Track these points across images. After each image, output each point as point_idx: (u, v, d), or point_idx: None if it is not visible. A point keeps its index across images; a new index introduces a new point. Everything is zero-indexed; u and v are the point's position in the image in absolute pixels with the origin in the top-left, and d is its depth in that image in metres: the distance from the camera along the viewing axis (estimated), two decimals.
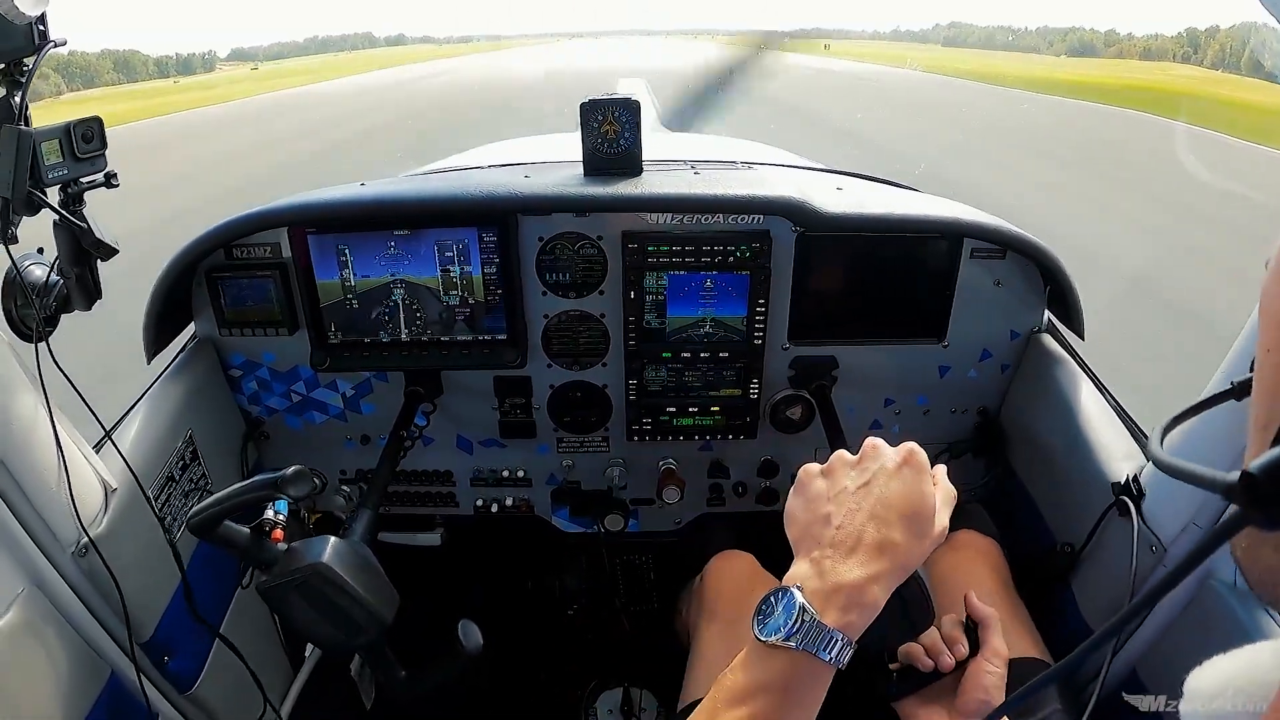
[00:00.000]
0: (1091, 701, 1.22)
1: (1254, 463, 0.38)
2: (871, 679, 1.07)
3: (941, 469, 1.00)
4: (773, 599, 0.87)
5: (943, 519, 0.93)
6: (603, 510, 2.04)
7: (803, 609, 0.83)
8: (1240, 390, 0.63)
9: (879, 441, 0.96)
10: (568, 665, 2.35)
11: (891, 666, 1.09)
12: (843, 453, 0.98)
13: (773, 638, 0.83)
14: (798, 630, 0.82)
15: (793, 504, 0.98)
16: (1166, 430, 0.63)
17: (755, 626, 0.86)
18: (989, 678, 1.03)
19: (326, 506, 2.12)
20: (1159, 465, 0.55)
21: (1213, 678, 0.60)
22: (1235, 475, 0.39)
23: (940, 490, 0.95)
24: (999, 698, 1.02)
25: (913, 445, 0.95)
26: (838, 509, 0.91)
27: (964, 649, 1.04)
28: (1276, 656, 0.56)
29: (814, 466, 0.99)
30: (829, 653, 0.82)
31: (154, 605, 1.46)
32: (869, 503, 0.90)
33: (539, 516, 2.14)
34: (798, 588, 0.85)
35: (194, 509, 1.17)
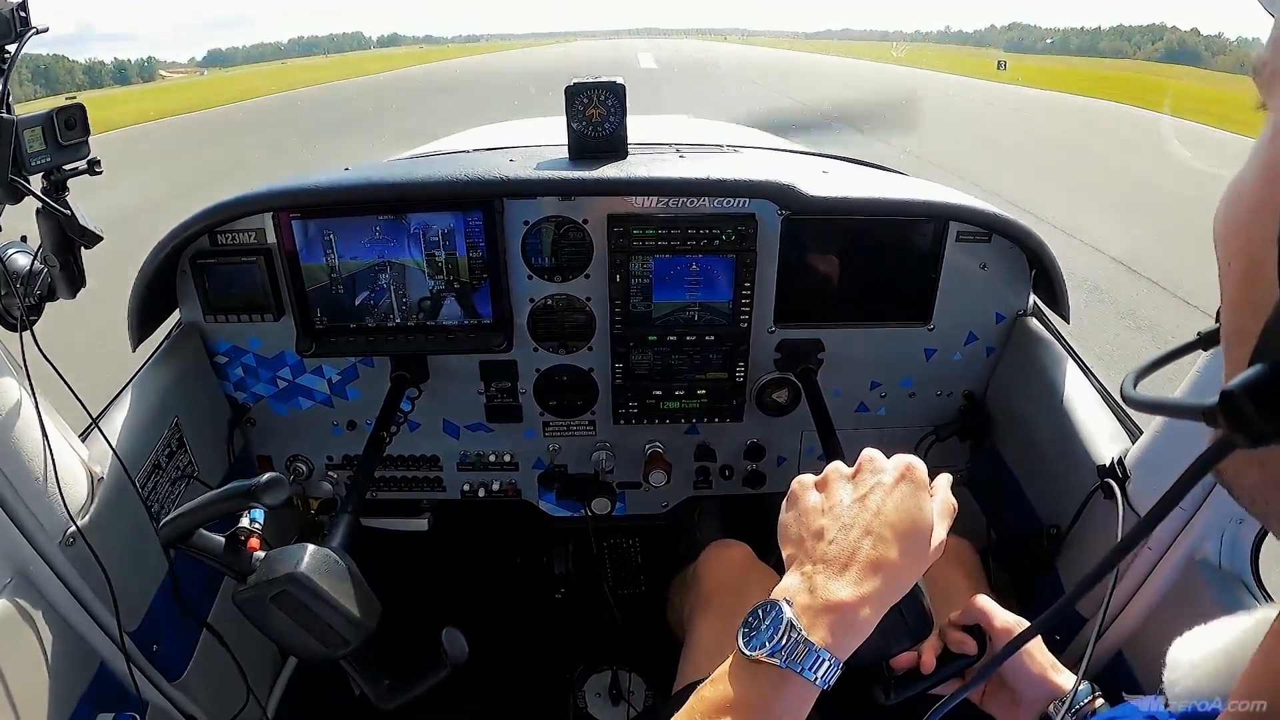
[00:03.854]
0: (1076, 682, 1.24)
1: (1232, 381, 0.37)
2: (869, 687, 1.08)
3: (944, 480, 0.96)
4: (760, 612, 0.83)
5: (940, 534, 0.89)
6: (590, 494, 2.05)
7: (790, 625, 0.79)
8: (1206, 340, 0.60)
9: (875, 453, 0.93)
10: (555, 649, 2.37)
11: (893, 670, 1.11)
12: (838, 464, 0.94)
13: (757, 652, 0.79)
14: (783, 647, 0.78)
15: (785, 516, 0.94)
16: (1140, 376, 0.62)
17: (740, 638, 0.82)
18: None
19: (314, 493, 2.12)
20: (1132, 403, 0.55)
21: (1196, 648, 0.62)
22: (1214, 399, 0.38)
23: (939, 504, 0.92)
24: (1057, 673, 1.05)
25: (911, 458, 0.91)
26: (832, 523, 0.87)
27: (974, 646, 1.06)
28: (1259, 625, 0.58)
29: (807, 478, 0.95)
30: (814, 672, 0.78)
31: (142, 594, 1.46)
32: (864, 518, 0.85)
33: (526, 500, 2.15)
34: (787, 602, 0.81)
35: (166, 519, 1.15)
